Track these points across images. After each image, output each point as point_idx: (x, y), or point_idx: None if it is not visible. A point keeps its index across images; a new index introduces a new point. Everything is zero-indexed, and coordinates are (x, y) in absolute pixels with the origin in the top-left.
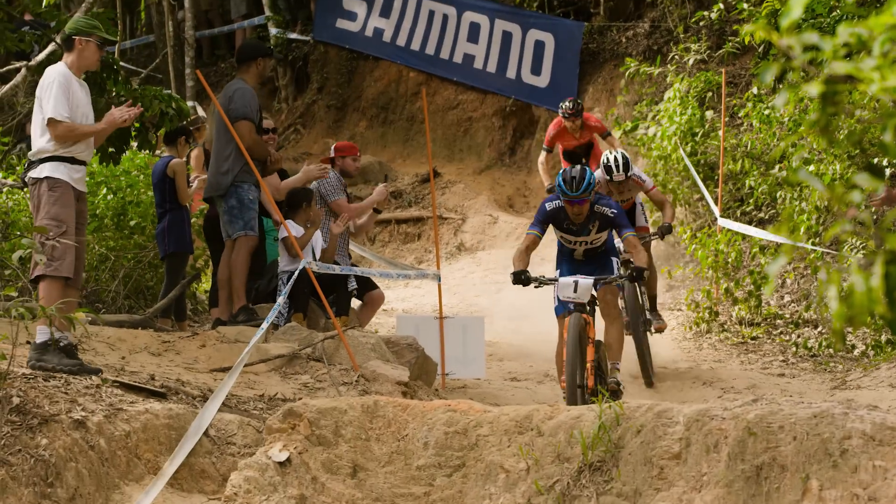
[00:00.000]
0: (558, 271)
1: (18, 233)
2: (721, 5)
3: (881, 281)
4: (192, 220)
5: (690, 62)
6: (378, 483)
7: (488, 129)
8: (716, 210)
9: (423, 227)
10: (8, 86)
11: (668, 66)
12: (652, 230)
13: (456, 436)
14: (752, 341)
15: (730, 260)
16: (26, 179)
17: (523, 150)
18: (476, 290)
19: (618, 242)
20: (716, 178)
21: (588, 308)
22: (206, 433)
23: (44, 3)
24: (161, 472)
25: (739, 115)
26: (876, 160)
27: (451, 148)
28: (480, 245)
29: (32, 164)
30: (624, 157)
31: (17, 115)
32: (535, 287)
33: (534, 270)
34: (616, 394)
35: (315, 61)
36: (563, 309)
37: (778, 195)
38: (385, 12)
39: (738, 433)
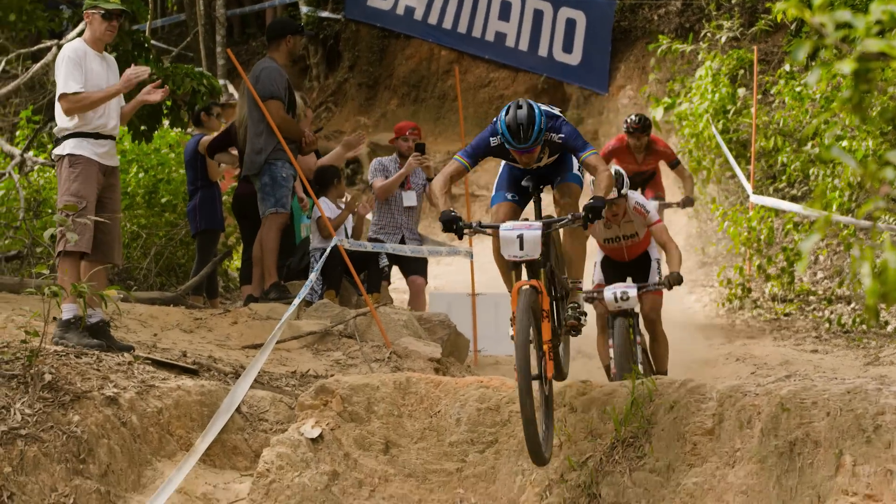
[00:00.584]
0: (498, 175)
1: (50, 210)
2: None
3: None
4: (223, 197)
5: (723, 39)
6: (410, 459)
7: None
8: (748, 187)
9: (454, 205)
10: (39, 64)
11: (701, 43)
12: (656, 278)
13: (488, 412)
14: (785, 318)
15: (762, 237)
16: (52, 157)
17: None
18: None
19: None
20: (748, 155)
21: (541, 264)
22: (238, 410)
23: None
24: (193, 448)
25: (771, 92)
26: None
27: (482, 126)
28: None
29: (58, 141)
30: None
31: (49, 93)
32: (469, 234)
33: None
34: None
35: (347, 40)
36: (513, 266)
37: (811, 172)
38: None
39: (772, 409)
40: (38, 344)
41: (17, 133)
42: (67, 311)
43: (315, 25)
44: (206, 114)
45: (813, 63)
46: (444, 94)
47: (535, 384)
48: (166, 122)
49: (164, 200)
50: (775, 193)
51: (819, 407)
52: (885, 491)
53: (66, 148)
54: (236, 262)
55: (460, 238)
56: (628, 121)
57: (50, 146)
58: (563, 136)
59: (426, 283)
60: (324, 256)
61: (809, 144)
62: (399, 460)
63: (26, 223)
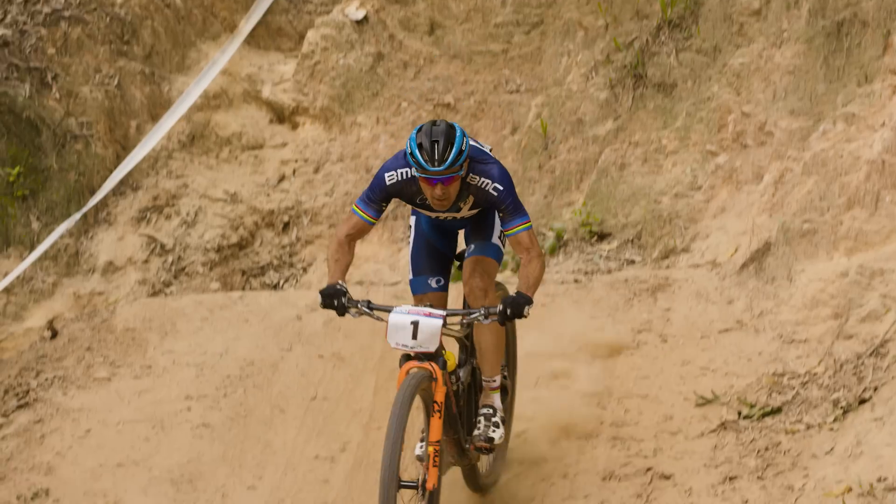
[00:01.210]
0: (411, 238)
1: None
2: None
3: None
4: None
5: None
6: (455, 40)
7: None
8: None
9: None
10: None
11: None
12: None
13: None
14: None
15: None
16: None
17: None
18: None
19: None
20: None
21: (436, 359)
22: None
23: None
24: (237, 29)
25: None
26: None
27: None
28: None
29: None
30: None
31: None
32: (355, 315)
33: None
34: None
35: None
36: (404, 359)
37: None
38: None
39: None
40: None
41: None
42: None
43: None
44: None
45: None
46: None
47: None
48: None
49: None
50: None
51: None
52: None
53: None
54: None
55: (341, 315)
56: None
57: None
58: (498, 187)
59: None
60: None
61: None
62: (444, 41)
63: None
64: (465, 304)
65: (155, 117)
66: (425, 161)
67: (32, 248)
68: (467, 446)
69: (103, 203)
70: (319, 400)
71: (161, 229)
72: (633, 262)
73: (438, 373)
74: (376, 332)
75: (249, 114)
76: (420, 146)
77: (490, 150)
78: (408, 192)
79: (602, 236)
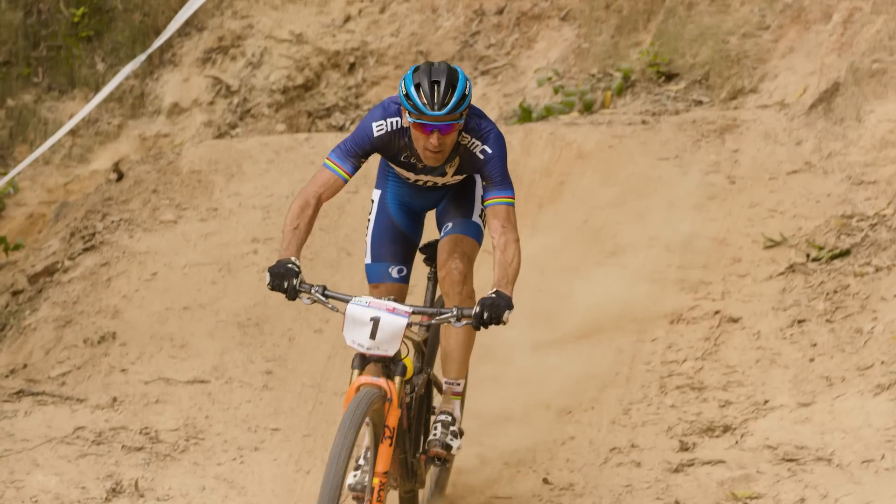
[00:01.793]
0: (373, 216)
1: None
2: None
3: None
4: None
5: None
6: None
7: None
8: None
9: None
10: None
11: None
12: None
13: None
14: None
15: None
16: None
17: None
18: None
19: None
20: None
21: (399, 368)
22: None
23: None
24: None
25: None
26: None
27: None
28: None
29: None
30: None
31: None
32: (308, 302)
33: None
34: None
35: None
36: (359, 361)
37: None
38: None
39: None
40: None
41: None
42: None
43: None
44: None
45: None
46: None
47: None
48: None
49: None
50: None
51: None
52: None
53: None
54: None
55: (291, 299)
56: None
57: None
58: (487, 150)
59: None
60: None
61: None
62: None
63: None
64: (428, 298)
65: None
66: (424, 104)
67: (97, 89)
68: (416, 461)
69: (168, 44)
70: None
71: (226, 70)
72: (700, 102)
73: (394, 391)
74: None
75: None
76: (418, 87)
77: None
78: (395, 146)
79: (669, 77)
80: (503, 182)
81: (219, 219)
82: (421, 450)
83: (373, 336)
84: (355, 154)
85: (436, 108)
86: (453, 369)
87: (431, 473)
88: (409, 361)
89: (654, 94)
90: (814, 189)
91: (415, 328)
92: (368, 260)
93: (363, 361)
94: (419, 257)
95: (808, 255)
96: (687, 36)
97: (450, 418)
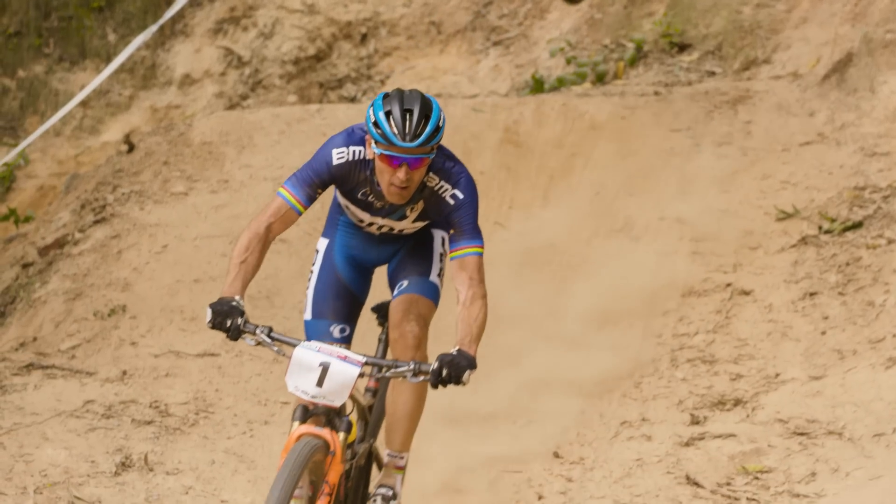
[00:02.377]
0: (316, 268)
1: None
2: None
3: None
4: None
5: None
6: None
7: None
8: None
9: None
10: None
11: None
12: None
13: None
14: None
15: None
16: None
17: None
18: None
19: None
20: None
21: (339, 419)
22: None
23: None
24: None
25: None
26: None
27: None
28: None
29: None
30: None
31: None
32: (252, 344)
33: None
34: None
35: None
36: (301, 413)
37: None
38: None
39: None
40: None
41: None
42: None
43: None
44: None
45: None
46: None
47: None
48: None
49: None
50: None
51: None
52: None
53: None
54: None
55: (233, 340)
56: None
57: None
58: (458, 194)
59: None
60: None
61: None
62: None
63: None
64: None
65: None
66: (394, 134)
67: (109, 60)
68: None
69: (180, 14)
70: None
71: (238, 41)
72: (713, 73)
73: (337, 444)
74: (454, 146)
75: None
76: (388, 114)
77: None
78: (354, 178)
79: (682, 47)
80: (473, 231)
81: (230, 191)
82: None
83: (320, 384)
84: (311, 183)
85: (407, 138)
86: (398, 440)
87: None
88: (354, 422)
89: (667, 65)
90: (826, 160)
91: (361, 390)
92: (308, 316)
93: (305, 414)
94: (365, 317)
95: (820, 228)
96: (700, 6)
97: (391, 492)
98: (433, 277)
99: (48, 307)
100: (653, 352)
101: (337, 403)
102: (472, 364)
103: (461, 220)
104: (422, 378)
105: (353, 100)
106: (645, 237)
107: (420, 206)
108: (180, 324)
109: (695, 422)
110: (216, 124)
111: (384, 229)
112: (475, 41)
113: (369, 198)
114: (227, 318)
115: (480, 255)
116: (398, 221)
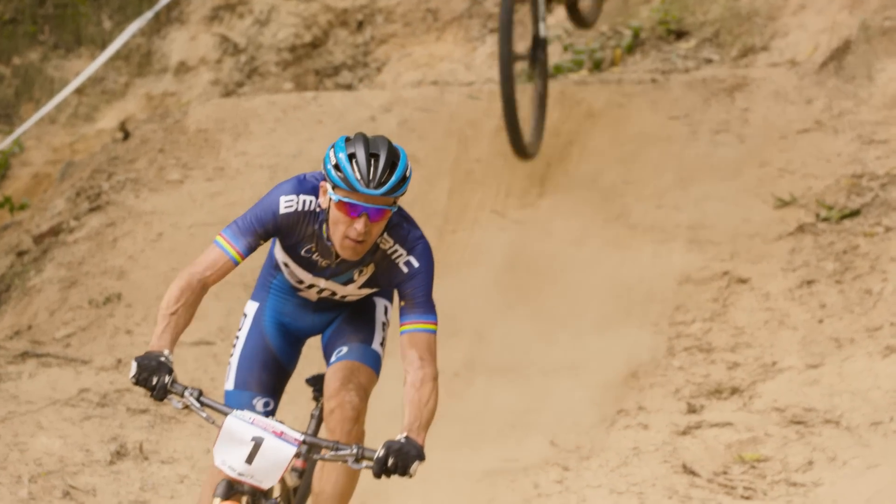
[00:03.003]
0: (243, 334)
1: None
2: None
3: None
4: None
5: None
6: None
7: None
8: None
9: None
10: None
11: None
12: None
13: None
14: None
15: None
16: None
17: None
18: None
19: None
20: None
21: (265, 501)
22: None
23: None
24: None
25: None
26: None
27: None
28: None
29: None
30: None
31: None
32: (178, 406)
33: None
34: None
35: None
36: (225, 489)
37: None
38: None
39: None
40: None
41: None
42: None
43: None
44: None
45: None
46: None
47: None
48: None
49: None
50: None
51: None
52: None
53: None
54: None
55: (159, 400)
56: None
57: None
58: (413, 262)
59: None
60: None
61: None
62: None
63: None
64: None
65: None
66: (357, 179)
67: (104, 47)
68: None
69: (175, 2)
70: None
71: (234, 28)
72: (710, 61)
73: None
74: (451, 134)
75: None
76: (352, 157)
77: None
78: (300, 231)
79: (680, 34)
80: (426, 305)
81: (225, 178)
82: None
83: (249, 460)
84: (253, 232)
85: (371, 185)
86: None
87: None
88: None
89: (664, 53)
90: (824, 148)
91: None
92: (230, 386)
93: (229, 490)
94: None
95: (817, 215)
96: None
97: None
98: (375, 346)
99: (43, 295)
100: (650, 340)
101: (265, 485)
102: (420, 455)
103: (414, 292)
104: (364, 465)
105: (348, 87)
106: (642, 225)
107: (370, 269)
108: None
109: (691, 410)
110: (212, 112)
111: (324, 293)
112: (472, 28)
113: (313, 255)
114: (154, 376)
115: (433, 332)
116: (343, 286)
